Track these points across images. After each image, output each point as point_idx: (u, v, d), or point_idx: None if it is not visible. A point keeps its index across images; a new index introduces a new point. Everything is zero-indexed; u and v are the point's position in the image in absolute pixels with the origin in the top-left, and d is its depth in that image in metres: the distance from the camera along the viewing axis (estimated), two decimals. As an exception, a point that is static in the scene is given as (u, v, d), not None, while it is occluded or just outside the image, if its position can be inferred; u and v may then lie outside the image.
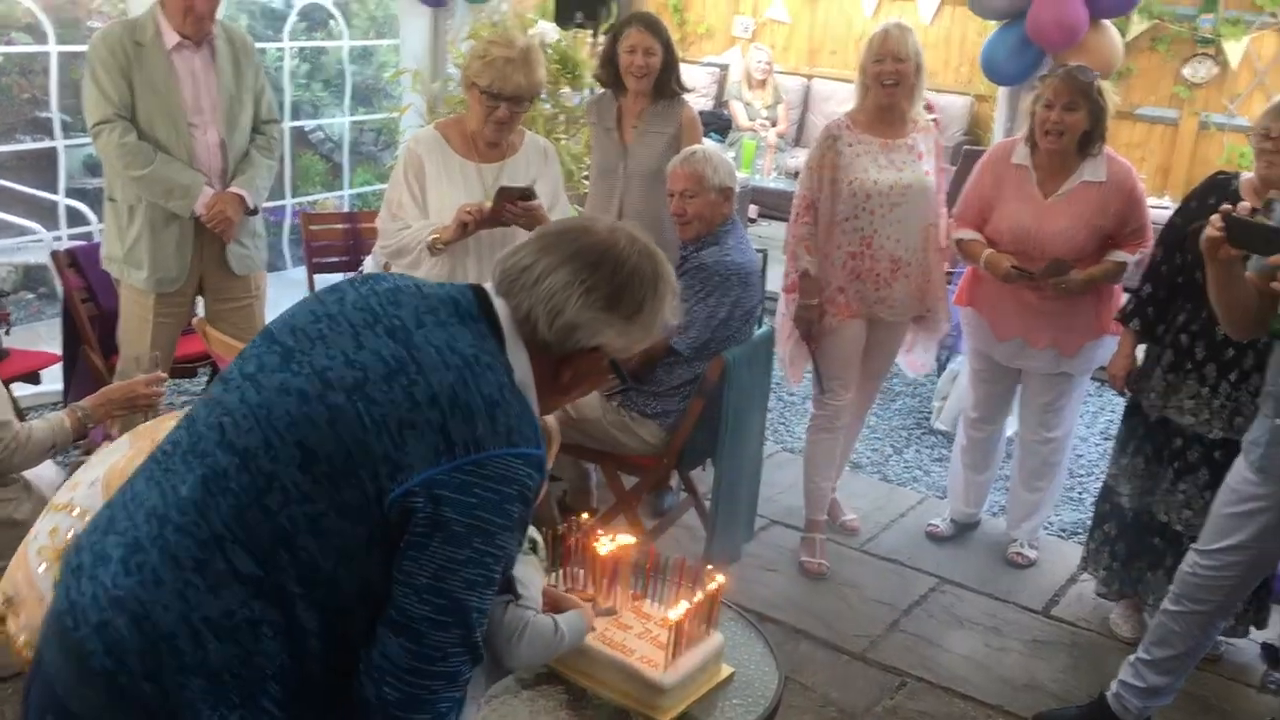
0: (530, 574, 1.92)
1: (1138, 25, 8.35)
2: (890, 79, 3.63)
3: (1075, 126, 3.50)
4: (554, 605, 1.97)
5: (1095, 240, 3.59)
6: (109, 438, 2.80)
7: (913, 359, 4.13)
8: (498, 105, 3.20)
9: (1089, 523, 4.29)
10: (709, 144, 3.80)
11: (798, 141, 9.72)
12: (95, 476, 2.08)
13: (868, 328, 3.85)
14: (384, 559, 1.44)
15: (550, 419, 2.18)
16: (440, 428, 1.42)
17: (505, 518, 1.46)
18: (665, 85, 3.93)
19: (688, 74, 4.08)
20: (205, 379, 4.59)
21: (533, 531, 2.05)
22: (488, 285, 1.63)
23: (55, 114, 5.69)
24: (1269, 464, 2.67)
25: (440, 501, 1.41)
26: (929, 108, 4.03)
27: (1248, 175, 3.29)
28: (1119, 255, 3.58)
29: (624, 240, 1.63)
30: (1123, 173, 3.59)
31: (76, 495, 2.07)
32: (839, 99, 9.51)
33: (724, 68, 10.11)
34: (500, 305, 1.59)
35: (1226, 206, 2.49)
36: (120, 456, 2.11)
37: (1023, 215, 3.62)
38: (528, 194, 3.16)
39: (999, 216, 3.69)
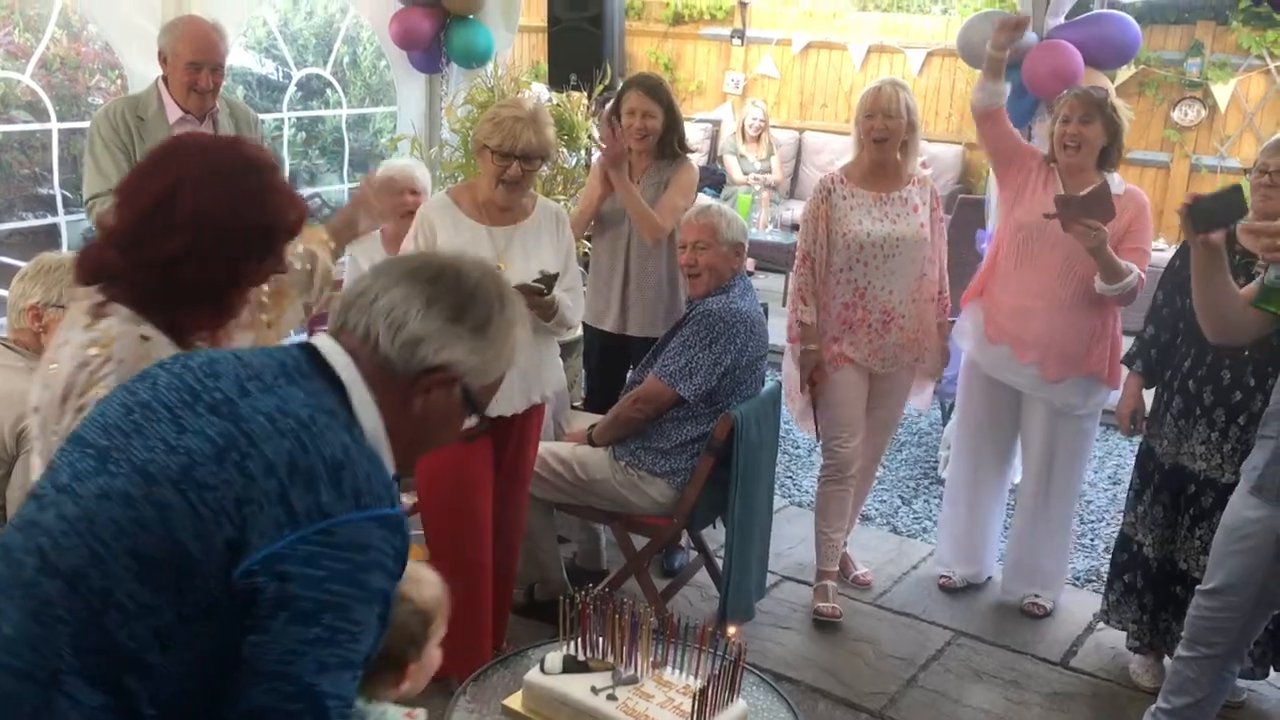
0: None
1: (1126, 70, 8.45)
2: (880, 134, 3.69)
3: (1092, 139, 3.60)
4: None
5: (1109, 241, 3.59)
6: None
7: (913, 398, 4.14)
8: (510, 163, 3.18)
9: (1102, 570, 4.26)
10: (704, 198, 3.83)
11: (792, 194, 9.80)
12: None
13: (869, 379, 3.87)
14: (237, 656, 1.32)
15: (435, 595, 1.91)
16: (280, 498, 1.30)
17: (361, 589, 1.34)
18: (667, 146, 3.97)
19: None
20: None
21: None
22: (316, 340, 1.51)
23: (57, 190, 5.72)
24: (1265, 482, 2.67)
25: (285, 578, 1.29)
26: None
27: (1244, 217, 3.30)
28: (1128, 263, 3.56)
29: (468, 262, 1.58)
30: (1138, 192, 3.72)
31: None
32: (832, 150, 9.62)
33: (716, 123, 10.22)
34: (335, 350, 1.48)
35: (1186, 200, 2.64)
36: None
37: (1046, 204, 3.61)
38: (543, 286, 3.11)
39: (1021, 209, 3.72)
